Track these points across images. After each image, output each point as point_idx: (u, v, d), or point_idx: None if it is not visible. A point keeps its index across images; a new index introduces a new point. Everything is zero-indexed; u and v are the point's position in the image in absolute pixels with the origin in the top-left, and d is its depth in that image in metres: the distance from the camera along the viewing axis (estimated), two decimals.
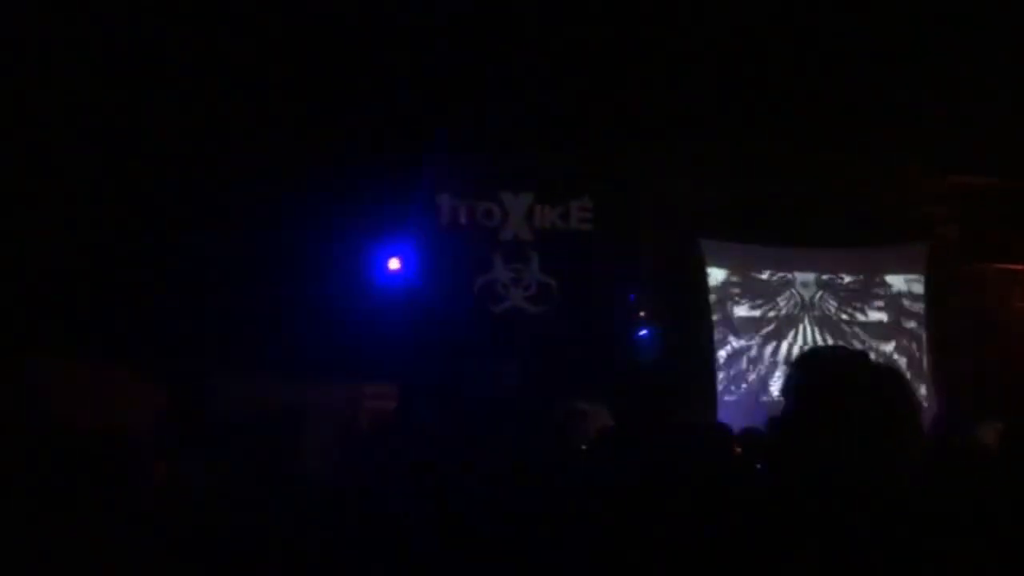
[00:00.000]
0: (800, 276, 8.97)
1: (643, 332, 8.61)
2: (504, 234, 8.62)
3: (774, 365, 8.64)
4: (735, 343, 8.76)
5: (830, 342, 8.79)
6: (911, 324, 8.89)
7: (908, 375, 8.85)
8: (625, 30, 7.24)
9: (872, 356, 1.81)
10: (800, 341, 8.76)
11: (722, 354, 8.68)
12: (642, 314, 8.67)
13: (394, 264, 8.39)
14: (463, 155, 8.51)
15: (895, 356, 8.77)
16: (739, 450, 3.25)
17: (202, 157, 7.35)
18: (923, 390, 8.62)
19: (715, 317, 8.79)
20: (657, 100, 7.82)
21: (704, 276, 8.84)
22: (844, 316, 8.92)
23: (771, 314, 8.92)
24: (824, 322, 8.89)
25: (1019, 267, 8.78)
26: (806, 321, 8.88)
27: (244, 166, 7.50)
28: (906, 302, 8.93)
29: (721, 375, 8.65)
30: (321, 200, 7.72)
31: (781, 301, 8.94)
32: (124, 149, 7.14)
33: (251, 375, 6.19)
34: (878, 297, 8.98)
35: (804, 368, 1.85)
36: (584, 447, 3.26)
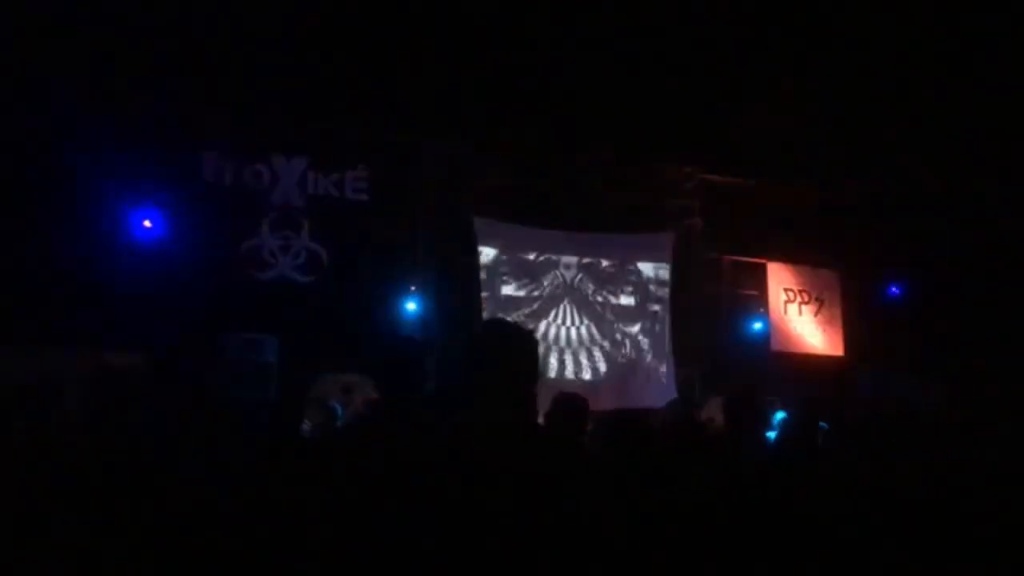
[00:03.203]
0: (564, 259, 9.46)
1: (411, 305, 8.65)
2: (274, 198, 8.23)
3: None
4: None
5: (587, 322, 9.42)
6: (656, 307, 9.69)
7: (651, 352, 9.64)
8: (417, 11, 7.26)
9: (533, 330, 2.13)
10: (560, 320, 9.27)
11: None
12: (412, 288, 8.70)
13: (147, 224, 7.73)
14: (233, 113, 8.00)
15: (640, 336, 9.56)
16: None
17: None
18: (664, 367, 9.48)
19: (484, 294, 9.04)
20: (442, 79, 7.90)
21: (476, 253, 9.05)
22: (599, 298, 9.54)
23: (535, 293, 9.33)
24: (582, 303, 9.45)
25: (749, 259, 9.89)
26: (566, 302, 9.40)
27: None
28: (653, 287, 9.72)
29: None
30: (68, 153, 6.95)
31: (545, 281, 9.38)
32: None
33: None
34: (629, 282, 9.70)
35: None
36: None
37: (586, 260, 9.56)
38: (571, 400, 3.51)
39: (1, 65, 6.60)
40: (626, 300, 9.63)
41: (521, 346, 2.03)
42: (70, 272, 6.86)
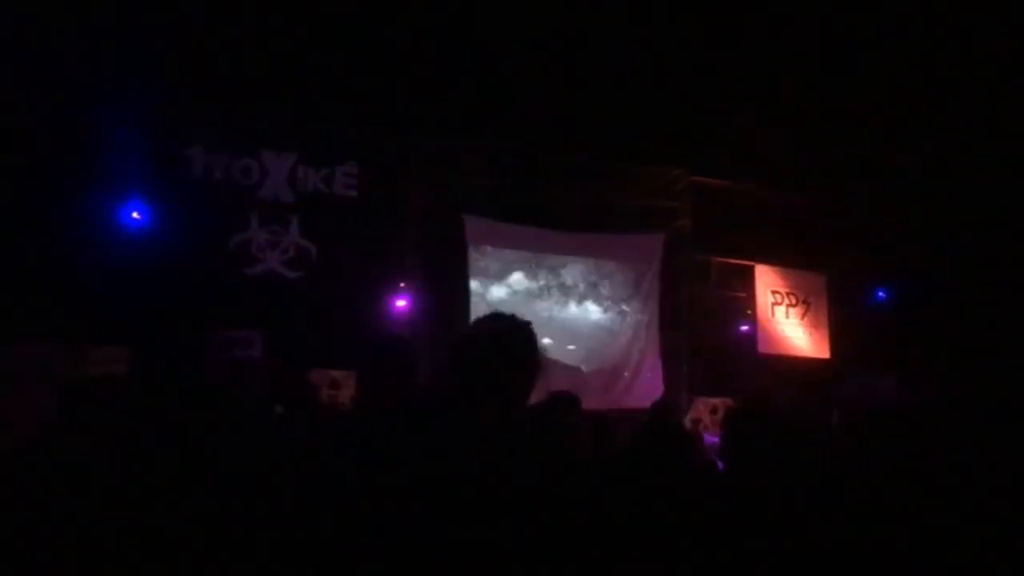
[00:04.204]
0: (553, 258, 9.48)
1: (400, 302, 8.63)
2: (263, 193, 8.20)
3: None
4: None
5: (574, 321, 9.43)
6: (644, 308, 9.71)
7: (638, 353, 9.62)
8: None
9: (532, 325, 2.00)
10: (548, 317, 9.27)
11: None
12: (402, 285, 8.68)
13: (135, 216, 7.69)
14: (221, 107, 7.96)
15: (628, 336, 9.57)
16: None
17: None
18: (651, 367, 9.49)
19: (473, 290, 9.03)
20: (433, 78, 7.91)
21: (465, 251, 9.04)
22: (587, 297, 9.56)
23: (524, 290, 9.34)
24: (571, 301, 9.47)
25: (737, 261, 9.92)
26: (554, 299, 9.41)
27: None
28: (641, 288, 9.74)
29: None
30: (57, 146, 6.91)
31: (534, 277, 9.39)
32: None
33: None
34: (617, 282, 9.72)
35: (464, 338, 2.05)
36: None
37: (575, 259, 9.57)
38: (561, 400, 3.48)
39: None
40: (613, 300, 9.65)
41: (518, 340, 1.92)
42: (56, 265, 6.81)
